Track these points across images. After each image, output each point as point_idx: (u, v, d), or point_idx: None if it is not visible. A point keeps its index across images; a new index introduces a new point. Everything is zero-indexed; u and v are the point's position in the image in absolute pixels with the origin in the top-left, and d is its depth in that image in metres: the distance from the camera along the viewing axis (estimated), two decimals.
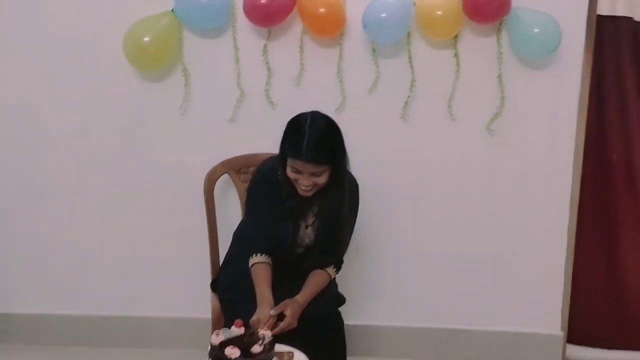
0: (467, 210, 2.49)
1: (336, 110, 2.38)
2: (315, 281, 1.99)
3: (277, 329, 1.83)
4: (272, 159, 2.00)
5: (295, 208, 1.96)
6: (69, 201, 2.53)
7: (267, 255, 1.98)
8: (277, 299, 1.91)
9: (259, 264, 1.97)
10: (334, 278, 2.10)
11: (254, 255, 1.98)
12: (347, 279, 2.24)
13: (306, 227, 2.02)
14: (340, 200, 1.95)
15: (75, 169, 2.51)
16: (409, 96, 2.38)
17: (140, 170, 2.49)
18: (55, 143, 2.49)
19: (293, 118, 1.91)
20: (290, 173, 1.89)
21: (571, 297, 2.54)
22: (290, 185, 1.93)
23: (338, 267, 2.07)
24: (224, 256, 2.21)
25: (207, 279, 2.26)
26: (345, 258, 2.10)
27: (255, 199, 2.03)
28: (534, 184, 2.46)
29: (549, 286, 2.53)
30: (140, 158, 2.48)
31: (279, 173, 1.94)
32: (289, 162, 1.88)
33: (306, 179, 1.86)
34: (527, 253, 2.51)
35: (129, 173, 2.50)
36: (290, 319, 1.85)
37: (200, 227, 2.31)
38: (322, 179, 1.88)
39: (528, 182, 2.46)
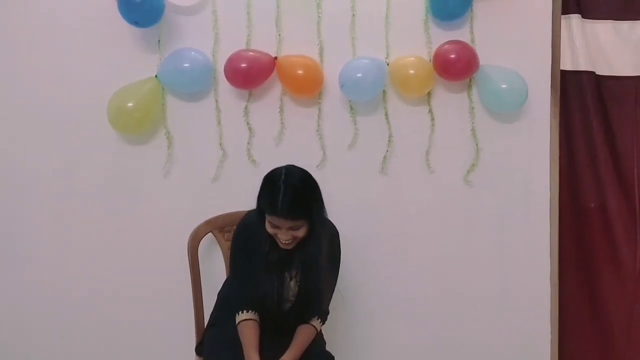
0: (446, 260, 2.49)
1: (317, 166, 2.41)
2: (301, 337, 1.97)
3: None
4: (252, 212, 1.99)
5: (278, 260, 1.95)
6: (51, 264, 2.49)
7: (254, 312, 1.96)
8: (266, 358, 1.88)
9: (246, 321, 1.94)
10: (320, 331, 2.07)
11: (241, 312, 1.96)
12: (334, 333, 2.22)
13: (290, 279, 2.00)
14: (320, 250, 1.94)
15: (57, 232, 2.48)
16: (387, 150, 2.43)
17: (123, 231, 2.47)
18: (36, 205, 2.47)
19: (268, 174, 1.92)
20: (269, 228, 1.89)
21: (559, 351, 2.52)
22: (271, 238, 1.93)
23: (323, 319, 2.05)
24: (209, 318, 2.18)
25: (192, 341, 2.22)
26: (331, 310, 2.08)
27: (238, 254, 2.02)
28: (513, 232, 2.49)
29: (535, 339, 2.50)
30: (123, 219, 2.47)
31: (259, 229, 1.93)
32: (267, 217, 1.88)
33: (284, 234, 1.87)
34: (510, 303, 2.50)
35: (111, 234, 2.48)
36: None
37: (184, 288, 2.28)
38: (301, 232, 1.88)
39: (506, 230, 2.49)
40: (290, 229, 1.86)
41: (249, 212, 2.04)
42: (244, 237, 2.00)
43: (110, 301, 2.50)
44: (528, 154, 2.48)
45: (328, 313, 2.08)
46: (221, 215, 2.34)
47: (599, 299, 2.56)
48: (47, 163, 2.45)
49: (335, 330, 2.25)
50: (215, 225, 2.33)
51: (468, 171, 2.46)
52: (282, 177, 1.86)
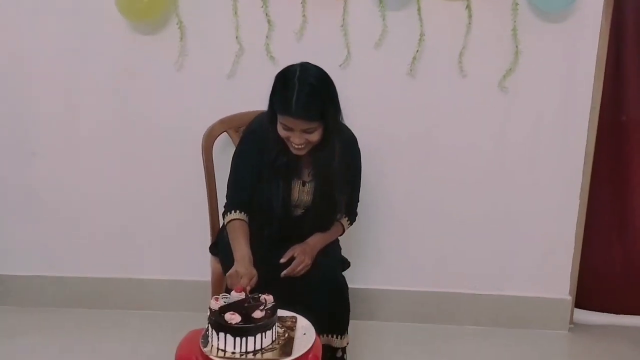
0: (477, 169, 2.40)
1: (340, 65, 2.27)
2: (328, 230, 1.94)
3: (288, 269, 1.77)
4: (263, 114, 1.89)
5: (288, 166, 1.86)
6: (62, 160, 2.46)
7: (244, 213, 1.89)
8: (275, 265, 1.83)
9: (236, 221, 1.87)
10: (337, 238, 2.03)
11: (230, 212, 1.89)
12: (349, 241, 2.17)
13: (303, 184, 1.92)
14: (333, 157, 1.84)
15: (66, 127, 2.42)
16: (417, 51, 2.26)
17: (134, 129, 2.41)
18: (44, 100, 2.40)
19: (281, 71, 1.80)
20: (280, 131, 1.79)
21: (580, 260, 2.48)
22: (281, 142, 1.82)
23: (352, 219, 2.01)
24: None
25: (207, 241, 2.19)
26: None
27: (241, 155, 1.93)
28: (547, 144, 2.37)
29: (558, 249, 2.46)
30: (134, 116, 2.39)
31: (269, 133, 1.83)
32: (279, 118, 1.78)
33: (298, 137, 1.76)
34: (537, 214, 2.44)
35: (122, 132, 2.41)
36: (302, 256, 1.80)
37: (198, 189, 2.23)
38: (315, 136, 1.77)
39: (541, 141, 2.36)
40: (304, 131, 1.76)
41: (259, 115, 1.93)
42: (250, 141, 1.91)
43: (122, 200, 2.48)
44: (572, 59, 2.28)
45: (356, 215, 2.03)
46: (236, 115, 2.24)
47: (628, 210, 2.48)
48: (54, 54, 2.35)
49: (351, 239, 2.19)
50: (230, 125, 2.24)
51: (504, 76, 2.28)
52: (297, 74, 1.75)
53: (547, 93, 2.31)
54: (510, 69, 2.27)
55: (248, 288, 1.63)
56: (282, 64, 2.20)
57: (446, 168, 2.40)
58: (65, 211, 2.50)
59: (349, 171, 1.94)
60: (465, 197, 2.43)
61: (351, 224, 2.04)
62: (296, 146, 1.79)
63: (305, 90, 1.71)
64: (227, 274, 1.73)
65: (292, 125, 1.75)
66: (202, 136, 2.19)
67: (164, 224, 2.49)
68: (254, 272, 1.72)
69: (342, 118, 1.86)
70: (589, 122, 2.34)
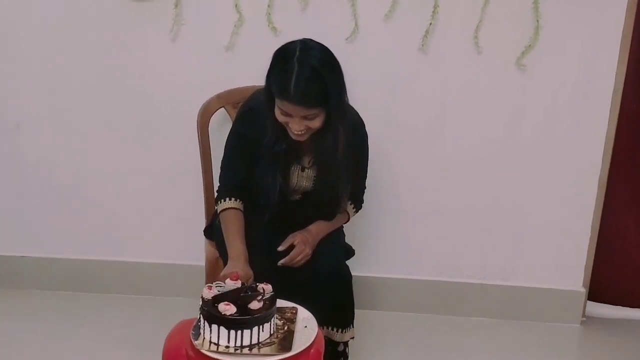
0: (489, 153, 2.28)
1: (347, 39, 2.14)
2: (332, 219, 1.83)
3: (286, 259, 1.68)
4: (259, 92, 1.73)
5: (286, 151, 1.72)
6: (48, 134, 2.34)
7: (238, 200, 1.77)
8: (273, 253, 1.72)
9: (229, 210, 1.75)
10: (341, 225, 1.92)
11: (223, 200, 1.77)
12: (352, 227, 2.06)
13: (302, 169, 1.79)
14: (337, 144, 1.69)
15: (53, 99, 2.30)
16: (430, 24, 2.12)
17: (125, 103, 2.28)
18: (29, 69, 2.27)
19: (279, 49, 1.63)
20: (278, 115, 1.64)
21: (595, 251, 2.37)
22: (280, 125, 1.67)
23: (358, 207, 1.89)
24: None
25: (202, 223, 2.08)
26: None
27: (236, 136, 1.80)
28: (565, 128, 2.24)
29: (573, 238, 2.35)
30: (126, 89, 2.27)
31: (267, 109, 1.68)
32: (277, 102, 1.62)
33: (297, 124, 1.61)
34: (552, 202, 2.32)
35: (112, 107, 2.29)
36: (302, 245, 1.69)
37: (194, 168, 2.12)
38: (317, 123, 1.62)
39: (559, 124, 2.24)
40: (304, 118, 1.60)
41: (257, 91, 1.77)
42: (247, 120, 1.77)
43: (112, 178, 2.38)
44: (595, 37, 2.15)
45: (363, 202, 1.92)
46: (235, 89, 2.12)
47: None
48: (39, 21, 2.22)
49: (354, 226, 2.09)
50: (228, 100, 2.12)
51: (523, 53, 2.15)
52: (297, 54, 1.57)
53: (567, 73, 2.18)
54: (530, 46, 2.13)
55: (269, 286, 1.50)
56: (284, 35, 2.11)
57: (457, 151, 2.28)
58: (51, 188, 2.39)
59: (355, 158, 1.81)
60: (476, 183, 2.31)
61: (357, 211, 1.93)
62: (296, 132, 1.64)
63: (306, 74, 1.54)
64: (222, 273, 1.62)
65: (290, 112, 1.60)
66: (197, 112, 2.07)
67: (157, 204, 2.39)
68: (250, 272, 1.62)
69: (347, 99, 1.70)
70: (610, 105, 2.20)
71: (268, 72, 1.63)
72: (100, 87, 2.27)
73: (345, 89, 1.66)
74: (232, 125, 1.86)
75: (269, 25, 2.15)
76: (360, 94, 1.87)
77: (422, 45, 2.15)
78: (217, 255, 1.91)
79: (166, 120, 2.28)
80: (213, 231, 1.93)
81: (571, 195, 2.31)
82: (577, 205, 2.32)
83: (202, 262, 2.02)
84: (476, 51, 2.16)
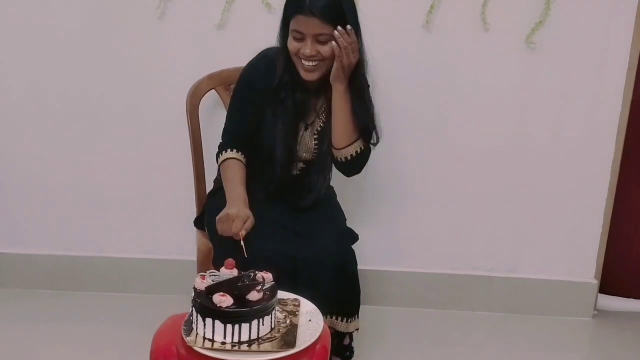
0: (497, 138, 2.18)
1: None
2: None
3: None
4: (271, 48, 1.73)
5: (294, 106, 1.69)
6: (25, 122, 2.22)
7: (241, 153, 1.71)
8: (270, 236, 1.61)
9: (230, 160, 1.69)
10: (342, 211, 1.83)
11: (225, 150, 1.71)
12: (357, 220, 1.96)
13: (305, 127, 1.74)
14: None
15: (31, 84, 2.18)
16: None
17: (108, 86, 2.17)
18: (4, 52, 2.14)
19: None
20: (291, 43, 1.63)
21: (607, 242, 2.27)
22: (289, 73, 1.66)
23: (367, 145, 1.74)
24: (213, 184, 1.91)
25: (192, 214, 1.98)
26: (357, 190, 1.85)
27: (242, 84, 1.75)
28: (577, 110, 2.14)
29: (584, 229, 2.25)
30: (109, 72, 2.15)
31: (278, 57, 1.67)
32: (291, 25, 1.61)
33: (309, 47, 1.59)
34: (562, 190, 2.22)
35: (95, 90, 2.18)
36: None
37: (183, 154, 2.02)
38: (329, 49, 1.60)
39: (570, 107, 2.14)
40: (317, 40, 1.59)
41: (268, 48, 1.75)
42: (256, 69, 1.74)
43: (96, 168, 2.26)
44: (609, 13, 2.05)
45: (373, 139, 1.76)
46: (226, 70, 2.02)
47: None
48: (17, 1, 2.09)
49: (358, 217, 2.01)
50: (220, 81, 2.01)
51: (532, 30, 2.05)
52: None
53: (579, 51, 2.08)
54: (540, 22, 2.03)
55: (243, 232, 1.46)
56: (279, 12, 1.97)
57: (464, 136, 2.18)
58: (31, 180, 2.27)
59: (361, 113, 1.72)
60: (484, 170, 2.21)
61: (363, 144, 1.74)
62: (306, 64, 1.61)
63: None
64: (217, 217, 1.55)
65: (304, 29, 1.58)
66: (186, 94, 1.96)
67: (143, 195, 2.27)
68: (249, 213, 1.57)
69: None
70: (624, 85, 2.11)
71: (285, 2, 1.65)
72: (82, 71, 2.15)
73: (359, 25, 1.65)
74: (241, 74, 1.78)
75: (262, 2, 2.05)
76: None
77: (426, 21, 2.06)
78: (210, 246, 1.79)
79: (153, 104, 2.17)
80: (206, 215, 1.82)
81: (582, 183, 2.21)
82: (588, 194, 2.22)
83: (193, 257, 1.91)
84: (483, 28, 2.06)
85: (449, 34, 2.07)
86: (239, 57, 1.96)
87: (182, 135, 1.98)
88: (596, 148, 2.18)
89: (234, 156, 1.70)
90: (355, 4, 1.67)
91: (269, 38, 1.78)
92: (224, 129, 1.78)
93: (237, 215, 1.54)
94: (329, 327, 1.65)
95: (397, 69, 2.10)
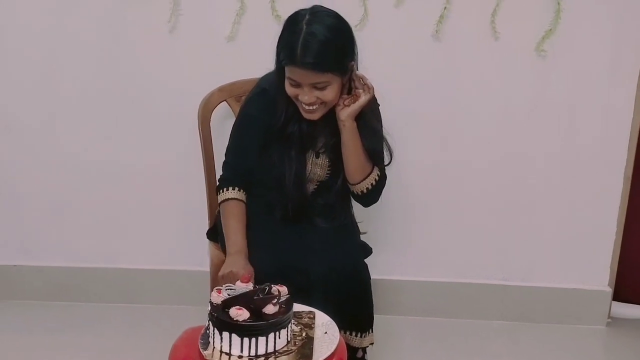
0: (508, 146, 2.17)
1: (356, 26, 2.01)
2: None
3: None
4: (270, 73, 1.69)
5: (300, 135, 1.64)
6: (40, 135, 2.23)
7: (242, 191, 1.67)
8: (284, 252, 1.60)
9: (231, 201, 1.66)
10: (356, 223, 1.82)
11: (225, 189, 1.67)
12: (369, 229, 1.95)
13: (316, 155, 1.70)
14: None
15: (44, 98, 2.20)
16: (444, 8, 2.03)
17: (121, 99, 2.18)
18: (18, 66, 2.17)
19: (290, 15, 1.59)
20: (288, 88, 1.57)
21: (621, 249, 2.26)
22: (293, 106, 1.60)
23: (382, 173, 1.72)
24: None
25: (205, 225, 1.98)
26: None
27: (244, 119, 1.71)
28: (588, 117, 2.14)
29: (597, 236, 2.24)
30: (121, 85, 2.17)
31: (277, 95, 1.62)
32: (286, 72, 1.55)
33: (307, 94, 1.53)
34: (574, 198, 2.21)
35: (107, 103, 2.19)
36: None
37: (195, 166, 2.02)
38: (329, 94, 1.54)
39: (581, 114, 2.14)
40: (314, 87, 1.53)
41: (267, 74, 1.71)
42: (258, 101, 1.69)
43: (108, 180, 2.27)
44: (621, 19, 2.05)
45: (385, 174, 1.75)
46: (237, 82, 2.03)
47: None
48: (30, 13, 2.11)
49: (370, 227, 1.97)
50: (231, 93, 2.02)
51: (543, 38, 2.05)
52: (306, 17, 1.53)
53: (590, 59, 2.08)
54: (550, 30, 2.04)
55: (284, 288, 1.39)
56: None
57: (474, 145, 2.18)
58: (45, 193, 2.28)
59: (373, 137, 1.70)
60: (495, 178, 2.21)
61: (379, 175, 1.72)
62: (306, 107, 1.56)
63: (314, 35, 1.48)
64: (220, 274, 1.53)
65: (299, 79, 1.52)
66: (198, 106, 1.97)
67: (156, 206, 2.28)
68: (251, 269, 1.53)
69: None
70: (636, 92, 2.10)
71: (278, 41, 1.57)
72: (94, 83, 2.17)
73: (356, 57, 1.59)
74: (241, 107, 1.76)
75: (273, 14, 2.05)
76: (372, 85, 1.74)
77: (436, 31, 2.06)
78: (223, 257, 1.79)
79: (165, 116, 2.18)
80: (218, 233, 1.81)
81: (595, 191, 2.20)
82: (600, 202, 2.21)
83: (206, 267, 1.92)
84: (493, 37, 2.06)
85: (459, 43, 2.08)
86: (250, 69, 2.00)
87: (194, 147, 1.99)
88: (608, 155, 2.17)
89: (234, 196, 1.65)
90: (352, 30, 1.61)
91: None
92: (225, 162, 1.74)
93: (242, 274, 1.45)
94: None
95: (407, 78, 2.11)
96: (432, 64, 2.11)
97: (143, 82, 2.15)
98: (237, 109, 2.02)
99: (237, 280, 1.41)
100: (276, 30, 2.00)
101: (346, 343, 1.62)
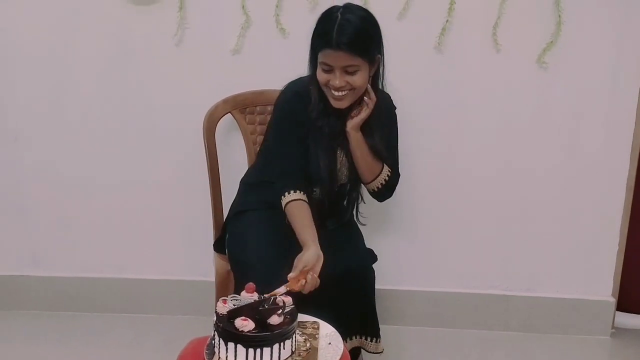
0: (511, 156, 2.18)
1: None
2: None
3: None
4: (298, 79, 1.74)
5: (330, 131, 1.69)
6: (47, 146, 2.24)
7: (302, 192, 1.67)
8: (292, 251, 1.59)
9: (295, 202, 1.65)
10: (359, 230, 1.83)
11: (287, 192, 1.66)
12: (374, 239, 1.96)
13: (346, 153, 1.75)
14: (378, 116, 1.69)
15: (52, 109, 2.21)
16: (446, 21, 2.04)
17: (127, 111, 2.20)
18: (27, 78, 2.18)
19: (324, 11, 1.66)
20: (320, 75, 1.63)
21: (624, 259, 2.26)
22: (323, 102, 1.66)
23: (394, 172, 1.79)
24: (230, 208, 1.91)
25: (210, 236, 1.99)
26: (373, 212, 1.85)
27: (284, 120, 1.73)
28: (591, 128, 2.14)
29: (600, 246, 2.24)
30: (128, 97, 2.18)
31: (310, 88, 1.68)
32: (320, 58, 1.61)
33: (338, 78, 1.59)
34: (578, 208, 2.21)
35: (114, 114, 2.20)
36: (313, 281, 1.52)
37: (200, 177, 2.04)
38: (358, 79, 1.60)
39: (584, 125, 2.14)
40: (345, 71, 1.59)
41: (290, 83, 1.75)
42: (293, 103, 1.71)
43: (115, 190, 2.28)
44: (621, 31, 2.06)
45: (398, 173, 1.82)
46: (242, 94, 2.05)
47: None
48: (38, 26, 2.13)
49: (375, 237, 2.00)
50: (235, 105, 2.04)
51: (544, 50, 2.06)
52: (341, 9, 1.62)
53: (592, 70, 2.09)
54: (552, 42, 2.05)
55: (289, 298, 1.39)
56: (293, 36, 2.06)
57: (478, 155, 2.18)
58: (52, 203, 2.29)
59: (390, 142, 1.78)
60: (498, 188, 2.21)
61: (392, 174, 1.79)
62: (335, 94, 1.61)
63: (349, 21, 1.58)
64: (296, 259, 1.49)
65: (332, 62, 1.58)
66: (203, 118, 1.98)
67: (162, 218, 2.29)
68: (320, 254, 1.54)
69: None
70: (637, 103, 2.11)
71: (312, 34, 1.64)
72: (102, 95, 2.19)
73: (383, 54, 1.67)
74: (275, 111, 1.77)
75: (277, 27, 2.07)
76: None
77: (438, 43, 2.07)
78: (228, 268, 1.80)
79: (170, 127, 2.19)
80: (227, 241, 1.83)
81: (598, 201, 2.20)
82: (603, 212, 2.22)
83: (210, 277, 1.92)
84: (495, 49, 2.07)
85: (460, 55, 2.09)
86: (255, 81, 2.04)
87: (199, 158, 2.00)
88: (611, 165, 2.17)
89: (297, 197, 1.65)
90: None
91: (283, 63, 1.81)
92: (278, 175, 1.71)
93: (310, 261, 1.48)
94: (359, 347, 1.70)
95: (409, 91, 2.09)
96: (435, 76, 2.11)
97: (150, 94, 2.17)
98: (242, 120, 2.04)
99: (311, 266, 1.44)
100: (281, 42, 2.08)
101: (361, 348, 1.66)
